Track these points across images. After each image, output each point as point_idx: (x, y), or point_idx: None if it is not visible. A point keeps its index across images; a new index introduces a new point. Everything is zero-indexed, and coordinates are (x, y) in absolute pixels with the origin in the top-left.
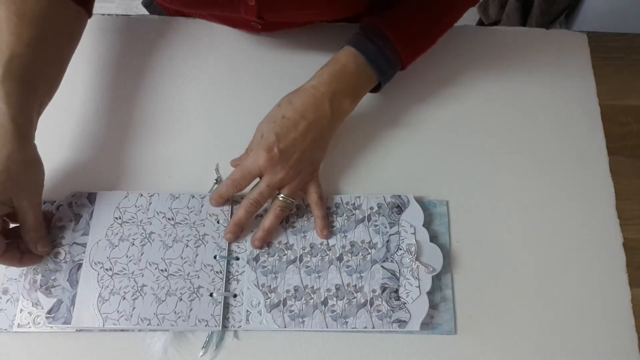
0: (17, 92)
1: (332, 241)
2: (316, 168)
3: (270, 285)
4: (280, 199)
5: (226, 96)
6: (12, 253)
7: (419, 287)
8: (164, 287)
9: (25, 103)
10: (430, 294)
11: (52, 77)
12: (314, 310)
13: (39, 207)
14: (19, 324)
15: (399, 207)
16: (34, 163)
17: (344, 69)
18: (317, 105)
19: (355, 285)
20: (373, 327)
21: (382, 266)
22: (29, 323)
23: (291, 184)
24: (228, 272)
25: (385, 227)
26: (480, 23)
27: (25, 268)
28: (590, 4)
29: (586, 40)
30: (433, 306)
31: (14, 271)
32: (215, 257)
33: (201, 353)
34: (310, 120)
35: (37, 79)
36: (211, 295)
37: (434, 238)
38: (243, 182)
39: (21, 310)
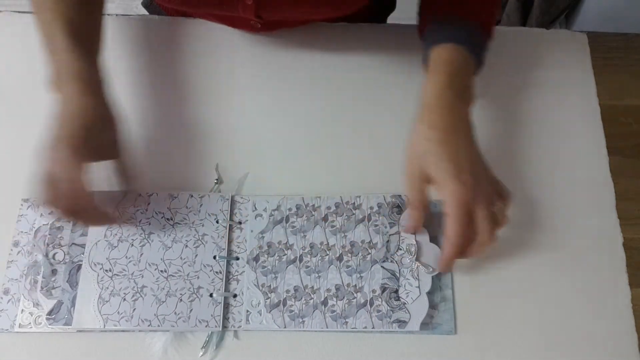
0: (82, 49)
1: (332, 241)
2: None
3: (270, 285)
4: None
5: (226, 96)
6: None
7: (418, 287)
8: (164, 288)
9: (91, 59)
10: (430, 294)
11: (100, 32)
12: (314, 311)
13: (126, 149)
14: (20, 324)
15: (399, 207)
16: (111, 116)
17: (453, 65)
18: (454, 114)
19: (355, 285)
20: (373, 327)
21: (382, 266)
22: (30, 323)
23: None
24: (228, 272)
25: (385, 227)
26: None
27: (26, 268)
28: (590, 4)
29: (586, 40)
30: (433, 306)
31: (15, 271)
32: (214, 257)
33: (201, 353)
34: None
35: (93, 37)
36: (211, 295)
37: (433, 238)
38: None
39: (22, 310)
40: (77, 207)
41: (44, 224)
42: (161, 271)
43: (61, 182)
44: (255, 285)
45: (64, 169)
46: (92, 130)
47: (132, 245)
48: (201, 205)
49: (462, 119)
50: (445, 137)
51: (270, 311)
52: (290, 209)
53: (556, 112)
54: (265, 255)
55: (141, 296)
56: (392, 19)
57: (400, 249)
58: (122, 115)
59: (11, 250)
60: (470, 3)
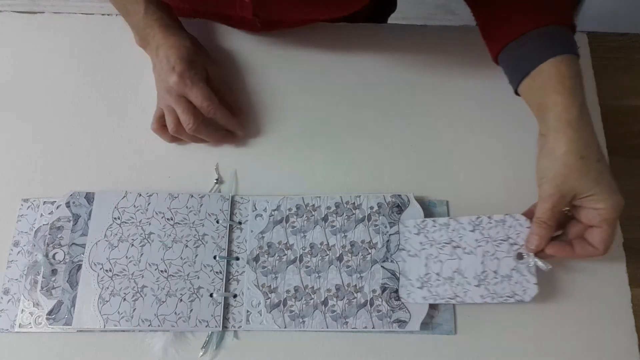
0: (156, 2)
1: (332, 241)
2: None
3: (270, 286)
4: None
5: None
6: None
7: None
8: (164, 288)
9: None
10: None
11: None
12: (314, 311)
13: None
14: (20, 324)
15: (399, 207)
16: (203, 49)
17: (575, 78)
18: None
19: (355, 285)
20: (373, 327)
21: (382, 266)
22: (30, 323)
23: None
24: (228, 272)
25: (386, 227)
26: None
27: (26, 268)
28: (590, 4)
29: (586, 40)
30: (433, 306)
31: (15, 271)
32: (215, 257)
33: (201, 353)
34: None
35: None
36: (211, 295)
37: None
38: None
39: (22, 310)
40: (204, 122)
41: (44, 224)
42: (161, 271)
43: (191, 97)
44: (255, 285)
45: (191, 81)
46: (197, 56)
47: (132, 245)
48: (201, 205)
49: (595, 132)
50: (600, 153)
51: (271, 311)
52: (290, 209)
53: None
54: (266, 256)
55: (141, 296)
56: (392, 19)
57: (404, 250)
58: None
59: (11, 250)
60: (543, 7)
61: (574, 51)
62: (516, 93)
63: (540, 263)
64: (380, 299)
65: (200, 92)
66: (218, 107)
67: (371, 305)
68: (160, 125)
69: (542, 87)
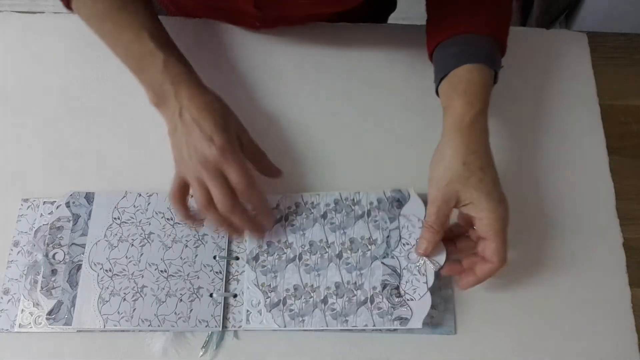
0: (179, 53)
1: (331, 238)
2: None
3: (270, 285)
4: None
5: (226, 95)
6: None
7: (426, 282)
8: (164, 288)
9: (186, 61)
10: (430, 293)
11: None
12: (314, 309)
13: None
14: (20, 324)
15: (399, 202)
16: (225, 103)
17: (478, 85)
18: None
19: (355, 282)
20: (374, 325)
21: (382, 262)
22: (30, 323)
23: None
24: (228, 272)
25: (386, 223)
26: None
27: (26, 268)
28: (590, 4)
29: (586, 40)
30: (433, 306)
31: (15, 271)
32: (214, 257)
33: (201, 353)
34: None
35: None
36: (211, 295)
37: None
38: None
39: (22, 310)
40: (238, 208)
41: (44, 224)
42: (161, 271)
43: (230, 173)
44: (255, 284)
45: (231, 155)
46: (229, 122)
47: (132, 245)
48: None
49: (488, 140)
50: (485, 161)
51: (270, 310)
52: (289, 207)
53: (556, 112)
54: (265, 255)
55: (141, 296)
56: (392, 19)
57: (408, 244)
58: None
59: (11, 250)
60: (481, 17)
61: (493, 66)
62: (437, 93)
63: (429, 264)
64: (380, 296)
65: (240, 170)
66: (255, 189)
67: (371, 302)
68: (181, 197)
69: (450, 89)
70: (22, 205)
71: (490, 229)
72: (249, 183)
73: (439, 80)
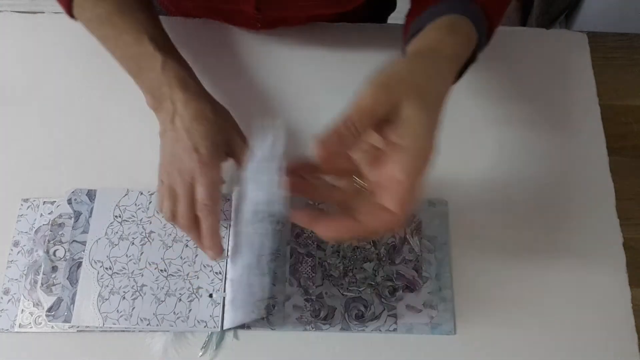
0: (179, 56)
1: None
2: None
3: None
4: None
5: (226, 95)
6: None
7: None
8: (163, 288)
9: (187, 64)
10: (430, 294)
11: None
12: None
13: (246, 141)
14: (20, 324)
15: None
16: (224, 111)
17: (455, 30)
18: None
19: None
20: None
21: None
22: (30, 323)
23: None
24: (228, 272)
25: None
26: None
27: (26, 268)
28: (590, 4)
29: (586, 40)
30: (433, 306)
31: (15, 271)
32: None
33: (200, 353)
34: None
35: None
36: (210, 296)
37: (433, 238)
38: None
39: (22, 310)
40: (194, 227)
41: (44, 224)
42: (161, 270)
43: (199, 187)
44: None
45: (205, 174)
46: (220, 131)
47: (133, 243)
48: None
49: (448, 82)
50: (436, 91)
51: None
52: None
53: (556, 112)
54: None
55: (140, 295)
56: (392, 19)
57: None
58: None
59: (11, 250)
60: None
61: (468, 15)
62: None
63: None
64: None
65: (208, 187)
66: (212, 212)
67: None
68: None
69: (424, 32)
70: (22, 205)
71: (408, 165)
72: (211, 202)
73: (407, 41)
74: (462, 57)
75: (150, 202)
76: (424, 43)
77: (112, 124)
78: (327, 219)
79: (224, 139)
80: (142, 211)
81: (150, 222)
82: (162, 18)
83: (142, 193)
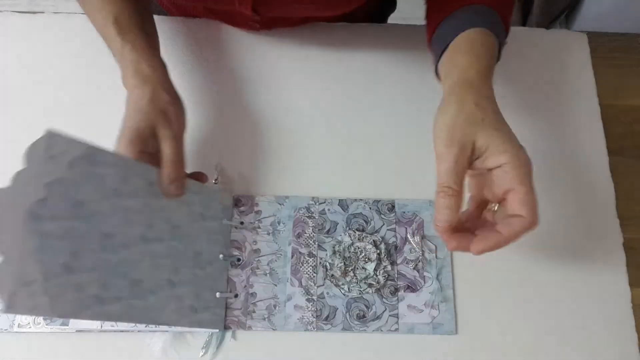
0: (141, 40)
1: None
2: None
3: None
4: None
5: (226, 96)
6: None
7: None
8: None
9: (152, 48)
10: (431, 294)
11: (152, 25)
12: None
13: (181, 140)
14: (19, 324)
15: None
16: (177, 98)
17: (484, 47)
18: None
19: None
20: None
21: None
22: (29, 323)
23: None
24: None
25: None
26: None
27: None
28: (590, 4)
29: (586, 40)
30: (434, 306)
31: None
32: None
33: (201, 354)
34: None
35: (146, 29)
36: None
37: (434, 238)
38: None
39: None
40: None
41: None
42: None
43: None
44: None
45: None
46: (148, 122)
47: None
48: None
49: (490, 94)
50: (496, 108)
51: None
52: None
53: (556, 112)
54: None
55: None
56: (392, 19)
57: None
58: (184, 103)
59: None
60: None
61: (494, 30)
62: (437, 75)
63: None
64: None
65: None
66: None
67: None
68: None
69: (452, 52)
70: None
71: (515, 175)
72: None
73: (438, 56)
74: (490, 69)
75: None
76: (459, 77)
77: (112, 124)
78: (477, 239)
79: (151, 132)
80: None
81: None
82: (162, 18)
83: None
